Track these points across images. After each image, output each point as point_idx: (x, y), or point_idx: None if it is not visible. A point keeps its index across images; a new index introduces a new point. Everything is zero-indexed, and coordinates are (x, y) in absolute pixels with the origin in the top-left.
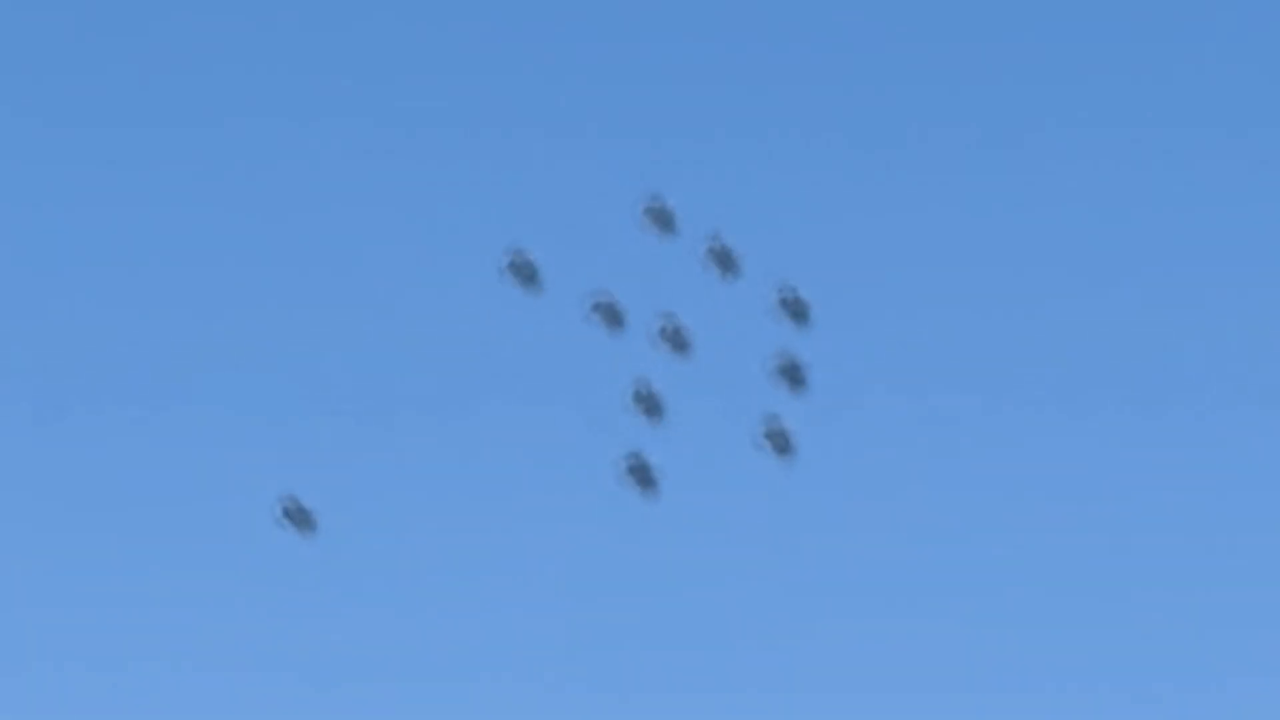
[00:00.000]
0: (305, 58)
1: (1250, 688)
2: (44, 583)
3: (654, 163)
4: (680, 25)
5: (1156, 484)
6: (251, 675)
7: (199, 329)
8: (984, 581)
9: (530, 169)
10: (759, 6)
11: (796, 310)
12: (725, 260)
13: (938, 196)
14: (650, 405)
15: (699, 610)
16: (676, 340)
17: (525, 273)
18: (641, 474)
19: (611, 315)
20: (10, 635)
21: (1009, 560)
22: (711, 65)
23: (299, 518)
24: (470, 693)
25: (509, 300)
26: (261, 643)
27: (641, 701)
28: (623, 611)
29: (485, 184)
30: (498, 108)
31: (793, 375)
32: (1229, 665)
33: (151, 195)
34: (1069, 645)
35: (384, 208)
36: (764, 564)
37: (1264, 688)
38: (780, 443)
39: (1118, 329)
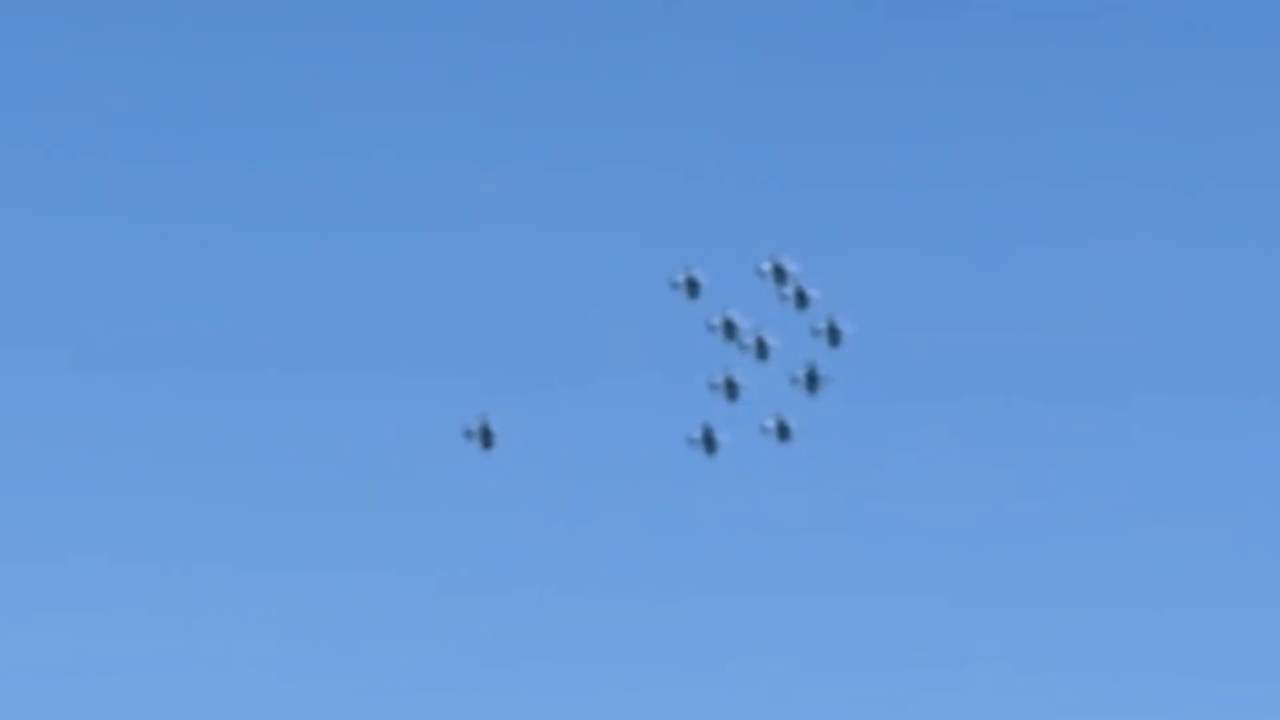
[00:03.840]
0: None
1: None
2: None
3: (774, 226)
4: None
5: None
6: None
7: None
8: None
9: (702, 238)
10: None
11: (832, 336)
12: (802, 300)
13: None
14: (731, 389)
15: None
16: (761, 350)
17: (692, 288)
18: (708, 440)
19: (729, 330)
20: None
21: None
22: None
23: (483, 435)
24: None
25: (682, 305)
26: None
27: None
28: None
29: (672, 235)
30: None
31: (811, 381)
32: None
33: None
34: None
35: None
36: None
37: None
38: (783, 431)
39: None
